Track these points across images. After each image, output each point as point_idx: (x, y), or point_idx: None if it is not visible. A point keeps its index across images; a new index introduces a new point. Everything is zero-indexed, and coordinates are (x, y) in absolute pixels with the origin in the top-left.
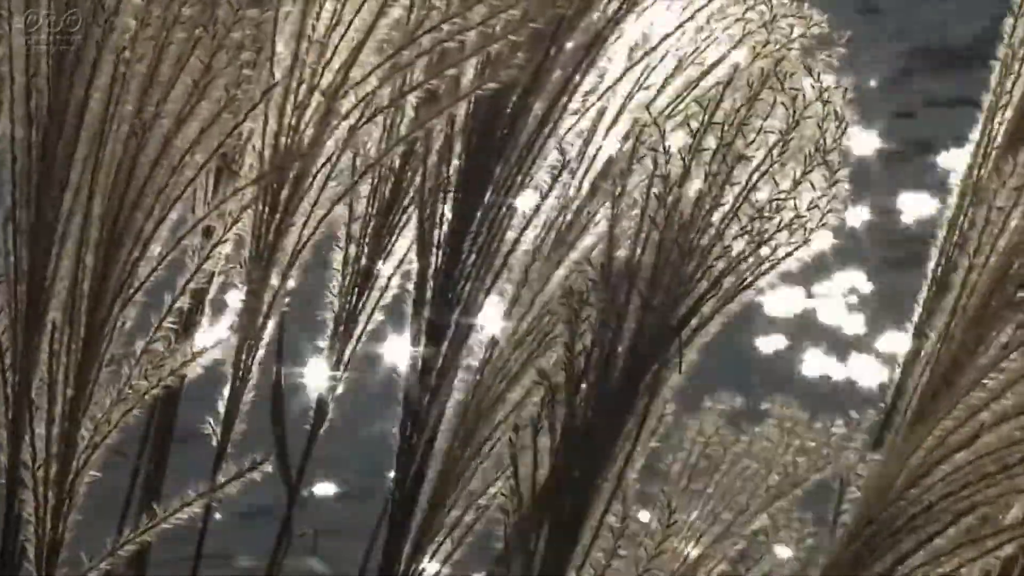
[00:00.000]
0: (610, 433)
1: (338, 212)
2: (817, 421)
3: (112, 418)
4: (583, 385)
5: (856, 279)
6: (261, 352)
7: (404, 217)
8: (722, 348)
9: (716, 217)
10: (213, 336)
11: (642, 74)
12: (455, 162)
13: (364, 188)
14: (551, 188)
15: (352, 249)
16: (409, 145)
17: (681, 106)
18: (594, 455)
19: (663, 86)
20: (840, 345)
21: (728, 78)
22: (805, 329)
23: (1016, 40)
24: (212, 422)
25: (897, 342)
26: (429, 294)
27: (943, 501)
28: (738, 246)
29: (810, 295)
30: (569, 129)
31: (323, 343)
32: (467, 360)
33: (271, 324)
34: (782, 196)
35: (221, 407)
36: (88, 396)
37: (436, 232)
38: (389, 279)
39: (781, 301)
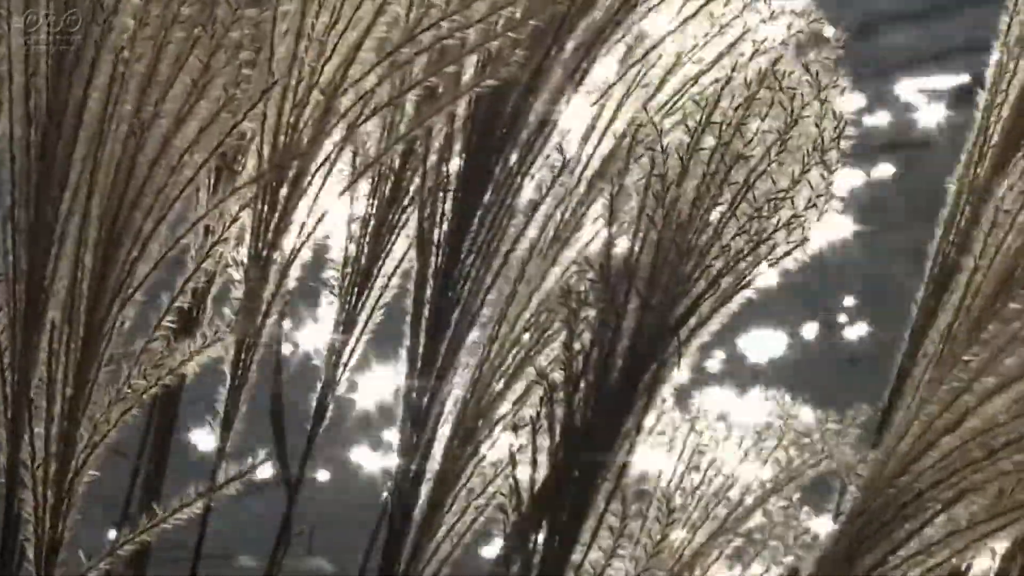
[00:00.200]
0: (609, 433)
1: (338, 211)
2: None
3: (111, 417)
4: (582, 384)
5: None
6: (260, 352)
7: (404, 217)
8: None
9: (714, 216)
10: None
11: (639, 72)
12: (455, 161)
13: (364, 187)
14: (551, 187)
15: (351, 249)
16: (409, 144)
17: (679, 104)
18: (593, 455)
19: (661, 84)
20: None
21: (727, 76)
22: None
23: (1012, 38)
24: (212, 422)
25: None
26: (429, 293)
27: (932, 489)
28: (736, 245)
29: None
30: (569, 131)
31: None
32: (466, 358)
33: (270, 323)
34: (780, 195)
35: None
36: (87, 395)
37: (436, 231)
38: (389, 279)
39: None
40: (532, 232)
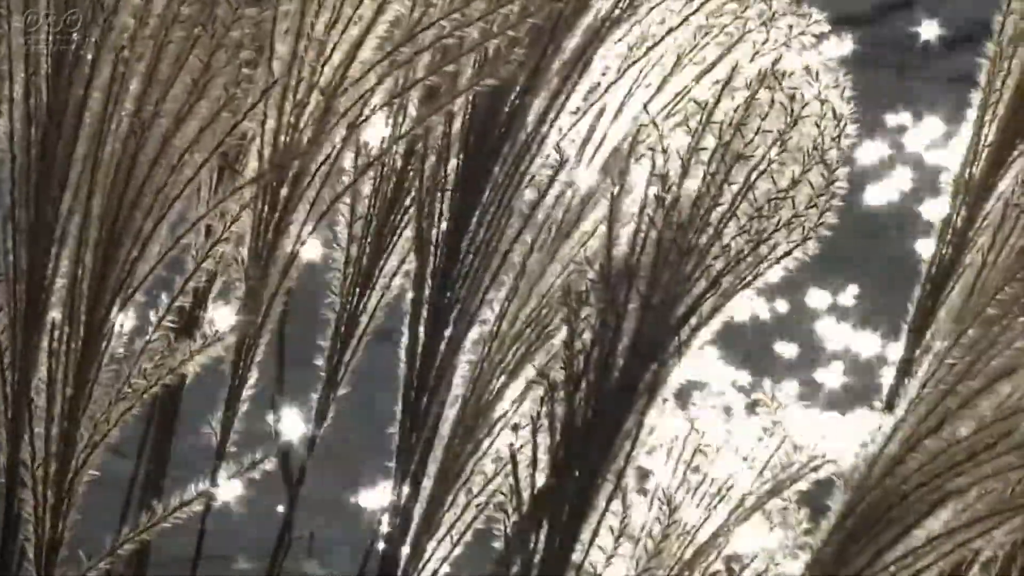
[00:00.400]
0: (609, 432)
1: (338, 211)
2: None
3: (111, 417)
4: (583, 384)
5: None
6: (260, 351)
7: (405, 217)
8: None
9: (715, 216)
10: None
11: (640, 72)
12: (453, 161)
13: (366, 188)
14: (549, 187)
15: (353, 249)
16: (410, 144)
17: (679, 105)
18: (593, 454)
19: (661, 84)
20: None
21: (727, 77)
22: None
23: (1005, 37)
24: (212, 422)
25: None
26: (427, 293)
27: (917, 491)
28: (737, 245)
29: None
30: (569, 129)
31: (324, 342)
32: (466, 356)
33: (270, 323)
34: (781, 195)
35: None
36: (87, 395)
37: (434, 231)
38: (390, 279)
39: None
40: (531, 231)
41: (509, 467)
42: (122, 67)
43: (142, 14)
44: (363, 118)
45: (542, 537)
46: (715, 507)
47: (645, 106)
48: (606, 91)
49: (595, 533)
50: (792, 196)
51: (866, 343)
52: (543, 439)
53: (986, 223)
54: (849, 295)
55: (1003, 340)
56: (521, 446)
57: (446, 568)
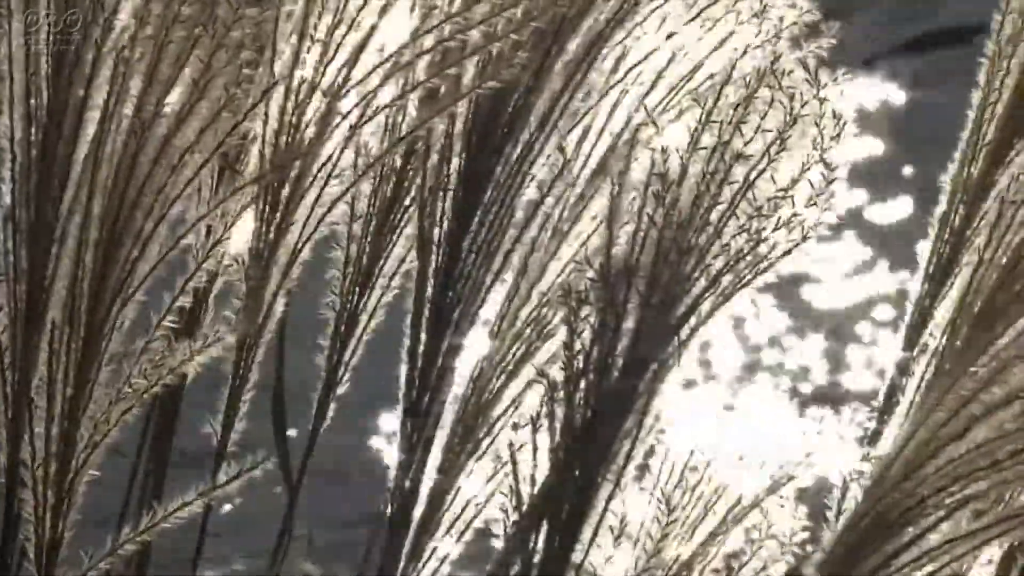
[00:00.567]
0: (609, 432)
1: (339, 211)
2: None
3: (112, 417)
4: (582, 384)
5: None
6: (261, 351)
7: (405, 217)
8: None
9: (714, 215)
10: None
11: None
12: (455, 161)
13: (366, 187)
14: (551, 187)
15: (353, 248)
16: (411, 145)
17: (674, 101)
18: (593, 453)
19: (655, 81)
20: None
21: (724, 74)
22: None
23: (1004, 37)
24: (212, 421)
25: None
26: (429, 293)
27: (936, 495)
28: (736, 244)
29: None
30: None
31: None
32: (467, 356)
33: (271, 323)
34: (780, 194)
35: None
36: (88, 395)
37: (436, 231)
38: (390, 279)
39: None
40: (532, 231)
41: (509, 467)
42: (123, 67)
43: (142, 14)
44: (365, 119)
45: (542, 537)
46: (713, 506)
47: (643, 103)
48: (606, 93)
49: (595, 533)
50: (792, 195)
51: None
52: (543, 439)
53: (983, 222)
54: None
55: None
56: (521, 446)
57: (446, 568)
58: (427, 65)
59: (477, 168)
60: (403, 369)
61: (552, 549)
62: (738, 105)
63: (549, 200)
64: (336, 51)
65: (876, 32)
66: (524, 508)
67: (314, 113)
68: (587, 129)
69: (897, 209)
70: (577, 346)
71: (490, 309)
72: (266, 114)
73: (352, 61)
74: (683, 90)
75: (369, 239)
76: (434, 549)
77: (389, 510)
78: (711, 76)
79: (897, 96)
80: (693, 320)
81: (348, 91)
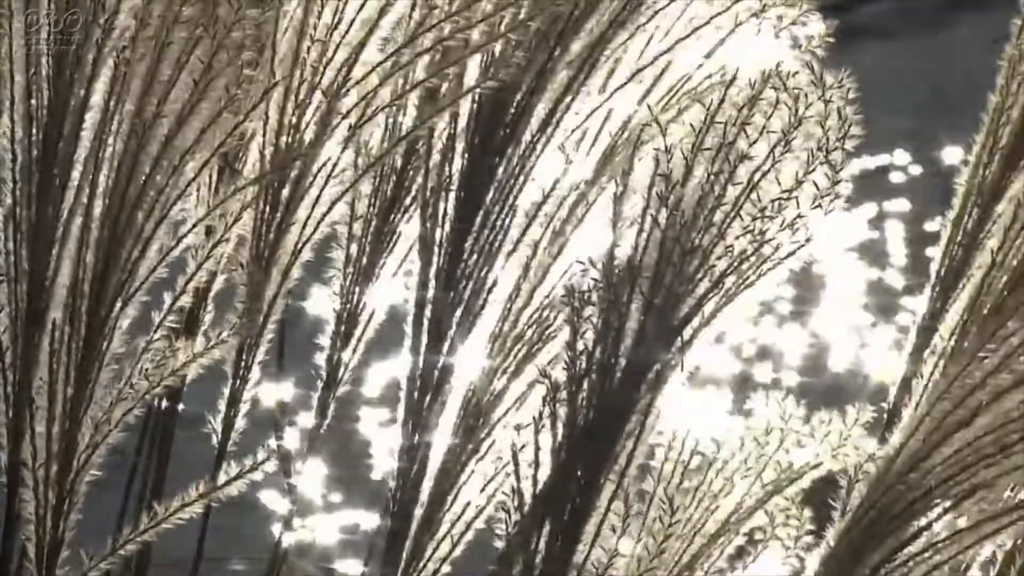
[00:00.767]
0: (612, 432)
1: (339, 211)
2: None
3: (113, 417)
4: (585, 384)
5: None
6: (262, 351)
7: (405, 217)
8: None
9: (718, 216)
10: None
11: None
12: (458, 161)
13: (366, 187)
14: (553, 188)
15: (353, 248)
16: (411, 145)
17: (673, 101)
18: (596, 454)
19: (655, 82)
20: None
21: (719, 71)
22: None
23: (1022, 41)
24: (213, 421)
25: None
26: (431, 293)
27: (943, 485)
28: (740, 245)
29: None
30: (573, 130)
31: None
32: (468, 357)
33: (272, 323)
34: (784, 195)
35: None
36: (88, 395)
37: (438, 231)
38: (391, 278)
39: None
40: (534, 231)
41: (510, 467)
42: (123, 67)
43: (143, 15)
44: (365, 119)
45: (544, 537)
46: (716, 507)
47: (645, 102)
48: (612, 95)
49: (597, 533)
50: (796, 196)
51: None
52: (545, 439)
53: (996, 224)
54: None
55: None
56: (523, 446)
57: (446, 568)
58: (427, 65)
59: (479, 168)
60: (404, 369)
61: (554, 550)
62: (743, 106)
63: (552, 201)
64: (336, 51)
65: None
66: (526, 509)
67: (314, 113)
68: (586, 130)
69: None
70: (580, 347)
71: (492, 310)
72: (266, 114)
73: (352, 61)
74: (683, 90)
75: (369, 239)
76: (435, 549)
77: (390, 510)
78: (710, 76)
79: None
80: (696, 321)
81: (348, 91)
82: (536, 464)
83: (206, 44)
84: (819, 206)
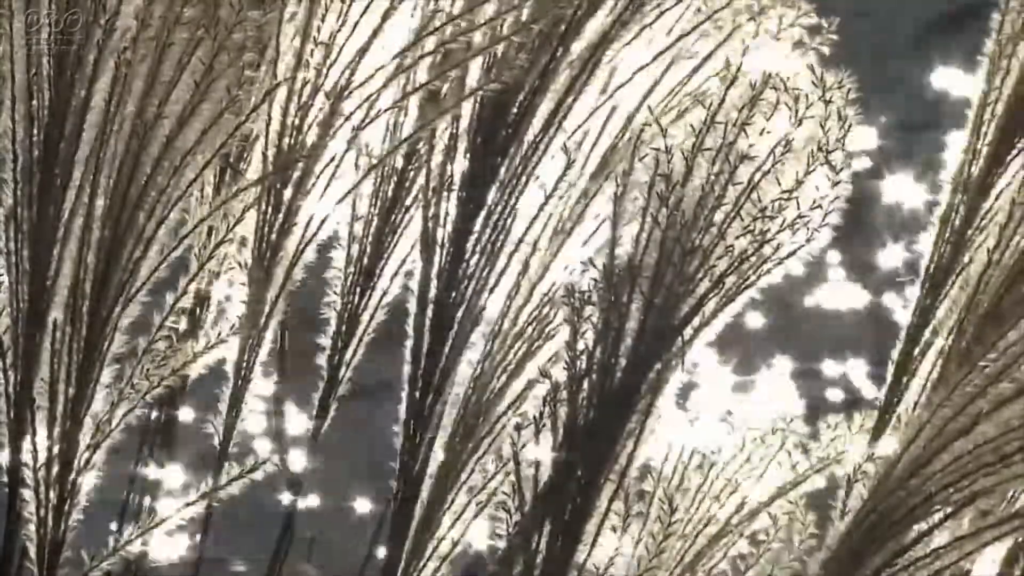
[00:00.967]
0: (612, 432)
1: (341, 211)
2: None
3: (114, 418)
4: (585, 384)
5: None
6: (263, 351)
7: (406, 217)
8: None
9: (718, 216)
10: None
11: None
12: (460, 161)
13: (367, 187)
14: (555, 188)
15: (354, 248)
16: (412, 145)
17: (674, 100)
18: (596, 454)
19: (655, 84)
20: None
21: (722, 72)
22: None
23: (1004, 36)
24: (214, 422)
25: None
26: (432, 293)
27: (943, 491)
28: (740, 245)
29: None
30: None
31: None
32: (469, 355)
33: (273, 323)
34: (784, 195)
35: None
36: (90, 395)
37: (440, 231)
38: (392, 279)
39: None
40: (535, 231)
41: (511, 466)
42: (124, 68)
43: (144, 15)
44: (368, 121)
45: (544, 537)
46: (718, 509)
47: (646, 103)
48: (611, 95)
49: (597, 533)
50: (796, 196)
51: None
52: (545, 438)
53: (985, 221)
54: None
55: None
56: (523, 445)
57: (446, 568)
58: (430, 66)
59: (481, 168)
60: (406, 369)
61: (554, 549)
62: (743, 106)
63: (553, 201)
64: (339, 53)
65: None
66: (526, 508)
67: (317, 115)
68: (587, 130)
69: None
70: (580, 346)
71: (493, 309)
72: (269, 115)
73: (356, 63)
74: (683, 91)
75: (370, 239)
76: (435, 547)
77: (391, 508)
78: (710, 78)
79: None
80: (696, 321)
81: (351, 93)
82: (536, 464)
83: (207, 45)
84: (819, 206)
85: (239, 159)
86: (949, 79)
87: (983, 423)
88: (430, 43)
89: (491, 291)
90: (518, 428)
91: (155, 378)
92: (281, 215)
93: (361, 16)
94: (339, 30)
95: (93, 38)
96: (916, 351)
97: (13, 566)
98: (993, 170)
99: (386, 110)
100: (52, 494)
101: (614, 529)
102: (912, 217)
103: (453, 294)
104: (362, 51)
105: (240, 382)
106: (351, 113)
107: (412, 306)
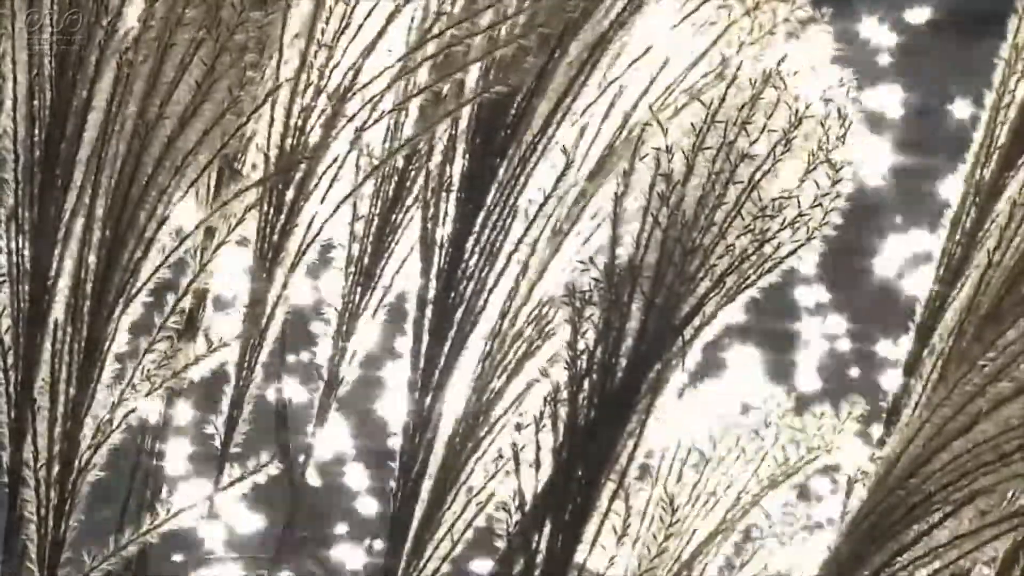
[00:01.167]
0: (613, 432)
1: (341, 211)
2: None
3: (114, 418)
4: (585, 384)
5: None
6: (265, 352)
7: (406, 217)
8: None
9: (719, 216)
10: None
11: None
12: (459, 162)
13: (367, 188)
14: (554, 188)
15: (355, 249)
16: (412, 146)
17: (671, 97)
18: (596, 454)
19: (652, 81)
20: None
21: (715, 69)
22: None
23: (1020, 40)
24: (216, 422)
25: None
26: (432, 293)
27: (943, 491)
28: (741, 244)
29: None
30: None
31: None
32: (469, 356)
33: (275, 324)
34: (785, 195)
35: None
36: (90, 395)
37: (439, 232)
38: (392, 279)
39: None
40: (535, 231)
41: (511, 466)
42: (126, 69)
43: (146, 16)
44: (372, 122)
45: (544, 537)
46: (714, 506)
47: (646, 101)
48: (607, 88)
49: (598, 533)
50: (796, 196)
51: None
52: (546, 438)
53: (994, 224)
54: None
55: None
56: (524, 446)
57: (446, 568)
58: (431, 68)
59: (480, 169)
60: (407, 368)
61: (555, 549)
62: (743, 105)
63: (552, 201)
64: (342, 55)
65: None
66: (527, 508)
67: (319, 116)
68: (584, 128)
69: None
70: (581, 346)
71: (493, 309)
72: (271, 117)
73: (359, 65)
74: (679, 88)
75: (370, 239)
76: (435, 548)
77: (391, 508)
78: (706, 75)
79: None
80: (697, 320)
81: (354, 94)
82: (536, 464)
83: (209, 46)
84: (819, 205)
85: (239, 160)
86: None
87: (982, 422)
88: (432, 46)
89: (491, 291)
90: (518, 428)
91: (156, 379)
92: (283, 216)
93: (365, 19)
94: (342, 32)
95: (95, 38)
96: (924, 352)
97: (15, 566)
98: (1004, 173)
99: (389, 112)
100: (53, 494)
101: (614, 529)
102: None
103: (453, 294)
104: (365, 53)
105: (242, 382)
106: (354, 114)
107: (412, 306)
